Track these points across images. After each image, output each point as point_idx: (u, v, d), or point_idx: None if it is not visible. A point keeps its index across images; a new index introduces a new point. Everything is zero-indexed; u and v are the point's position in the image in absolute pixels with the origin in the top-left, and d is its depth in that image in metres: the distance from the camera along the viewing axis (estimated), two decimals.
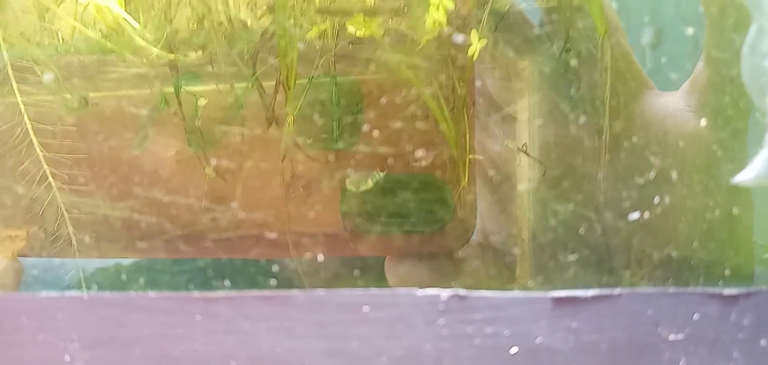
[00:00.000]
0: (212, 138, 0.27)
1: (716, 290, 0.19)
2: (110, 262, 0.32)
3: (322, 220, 0.28)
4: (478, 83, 0.29)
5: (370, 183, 0.27)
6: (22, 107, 0.26)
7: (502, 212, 0.30)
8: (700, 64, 0.27)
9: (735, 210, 0.26)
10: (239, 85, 0.27)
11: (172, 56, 0.26)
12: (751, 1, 0.20)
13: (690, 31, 0.27)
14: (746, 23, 0.21)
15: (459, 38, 0.26)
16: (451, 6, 0.25)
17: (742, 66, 0.21)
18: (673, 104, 0.28)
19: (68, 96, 0.27)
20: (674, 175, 0.26)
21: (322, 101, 0.27)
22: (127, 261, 0.32)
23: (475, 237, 0.30)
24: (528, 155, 0.28)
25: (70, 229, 0.27)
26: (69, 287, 0.28)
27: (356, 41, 0.27)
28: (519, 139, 0.29)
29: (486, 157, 0.30)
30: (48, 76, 0.27)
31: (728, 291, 0.19)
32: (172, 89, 0.27)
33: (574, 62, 0.27)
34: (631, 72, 0.28)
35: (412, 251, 0.28)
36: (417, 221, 0.28)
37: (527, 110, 0.29)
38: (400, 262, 0.28)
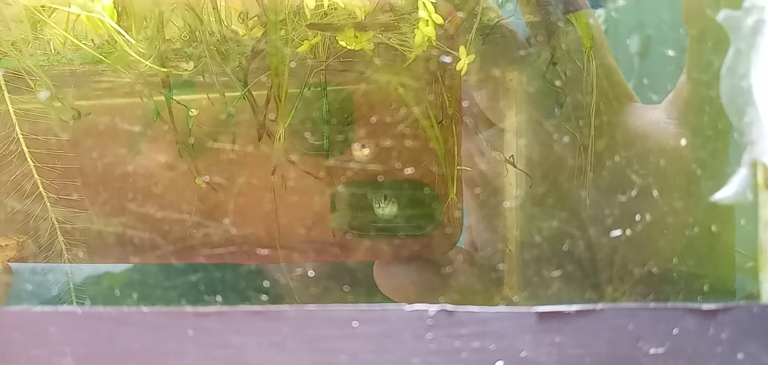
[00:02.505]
0: (203, 148, 0.28)
1: (695, 305, 0.19)
2: (101, 273, 0.32)
3: (312, 229, 0.28)
4: (465, 103, 0.29)
5: (394, 209, 0.28)
6: (13, 117, 0.27)
7: (489, 227, 0.30)
8: (683, 78, 0.28)
9: (714, 227, 0.26)
10: (231, 95, 0.27)
11: (164, 70, 0.26)
12: (729, 24, 0.21)
13: (671, 52, 0.28)
14: (725, 46, 0.21)
15: (447, 59, 0.26)
16: (440, 21, 0.25)
17: (721, 87, 0.21)
18: (656, 118, 0.29)
19: (58, 104, 0.27)
20: (656, 192, 0.27)
21: (313, 115, 0.28)
22: (118, 269, 0.32)
23: (464, 246, 0.31)
24: (514, 166, 0.29)
25: (61, 239, 0.27)
26: (59, 298, 0.28)
27: (347, 55, 0.27)
28: (506, 151, 0.30)
29: (475, 172, 0.31)
30: (43, 94, 0.27)
31: (707, 306, 0.19)
32: (163, 98, 0.27)
33: (558, 82, 0.28)
34: (615, 86, 0.29)
35: (400, 256, 0.28)
36: (406, 228, 0.28)
37: (515, 124, 0.29)
38: (389, 267, 0.29)
